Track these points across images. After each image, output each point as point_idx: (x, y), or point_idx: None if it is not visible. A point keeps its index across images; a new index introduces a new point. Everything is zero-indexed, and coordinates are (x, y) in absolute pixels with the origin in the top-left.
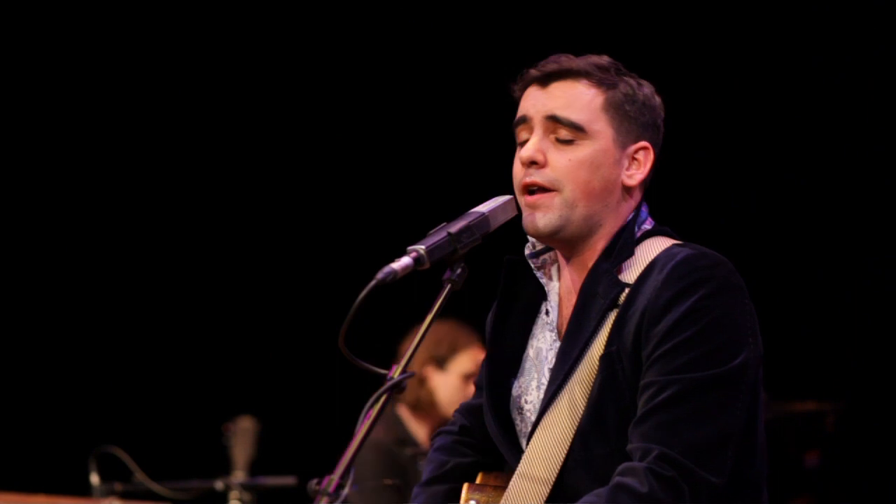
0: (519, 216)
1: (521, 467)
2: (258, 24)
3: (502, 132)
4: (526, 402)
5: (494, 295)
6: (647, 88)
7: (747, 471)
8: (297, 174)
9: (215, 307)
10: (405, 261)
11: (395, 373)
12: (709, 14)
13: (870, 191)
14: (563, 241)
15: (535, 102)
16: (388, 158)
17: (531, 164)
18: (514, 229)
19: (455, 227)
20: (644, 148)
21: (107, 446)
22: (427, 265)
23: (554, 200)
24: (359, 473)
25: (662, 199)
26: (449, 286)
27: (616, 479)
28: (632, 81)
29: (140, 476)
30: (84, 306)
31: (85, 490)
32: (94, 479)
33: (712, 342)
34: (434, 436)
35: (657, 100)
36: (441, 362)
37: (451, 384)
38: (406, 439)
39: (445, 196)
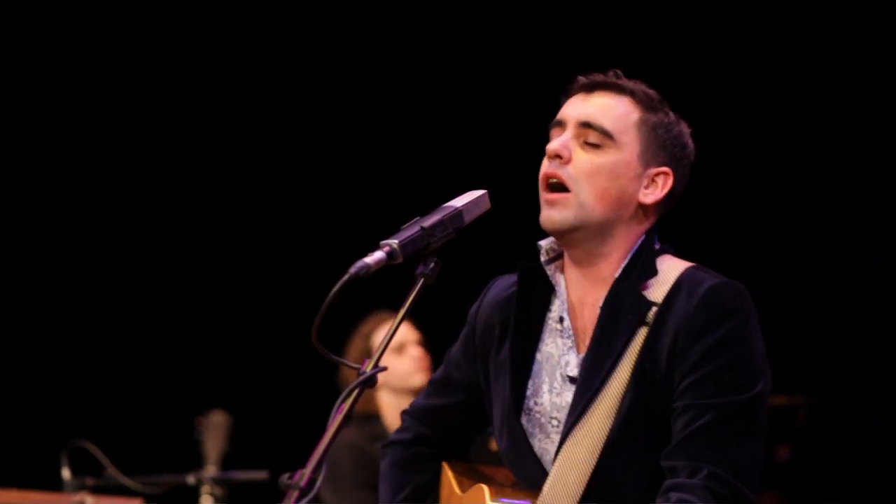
0: (492, 211)
1: (555, 474)
2: (232, 20)
3: (476, 127)
4: (536, 403)
5: (465, 290)
6: (684, 127)
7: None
8: (270, 168)
9: (187, 302)
10: (378, 255)
11: (368, 367)
12: (709, 14)
13: (870, 191)
14: (578, 243)
15: (574, 108)
16: (362, 153)
17: (556, 157)
18: (487, 226)
19: (429, 221)
20: (665, 173)
21: (78, 441)
22: (400, 259)
23: (570, 200)
24: (334, 474)
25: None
26: (422, 280)
27: (675, 494)
28: (672, 115)
29: (112, 470)
30: (55, 301)
31: (56, 485)
32: (66, 473)
33: (742, 369)
34: (385, 445)
35: (691, 142)
36: (369, 355)
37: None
38: (378, 435)
39: (419, 190)
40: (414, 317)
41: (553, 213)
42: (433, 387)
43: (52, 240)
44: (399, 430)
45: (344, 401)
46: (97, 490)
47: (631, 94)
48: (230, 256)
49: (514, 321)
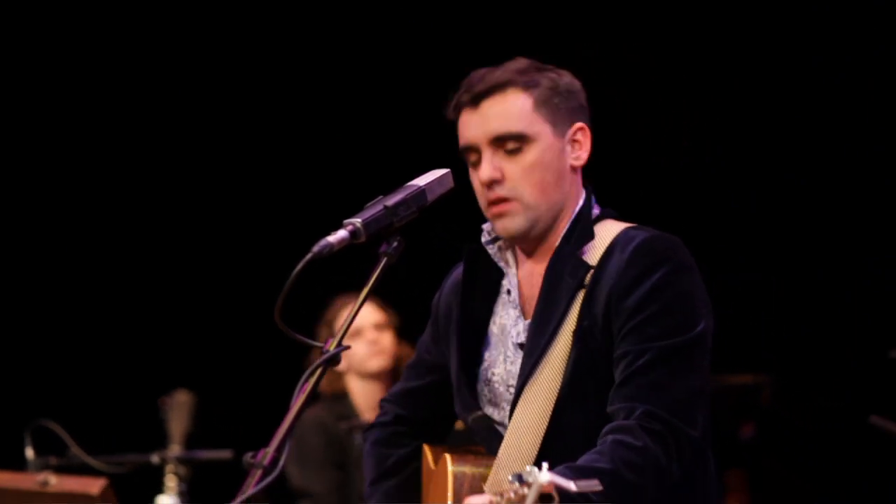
0: (456, 189)
1: (509, 436)
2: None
3: (437, 107)
4: (493, 373)
5: (432, 273)
6: (566, 77)
7: (706, 424)
8: (231, 148)
9: (151, 281)
10: (341, 234)
11: (331, 346)
12: (709, 14)
13: (869, 191)
14: (535, 237)
15: (475, 129)
16: (324, 131)
17: (492, 182)
18: (452, 205)
19: (392, 200)
20: (581, 129)
21: (42, 420)
22: (363, 238)
23: (516, 206)
24: (301, 453)
25: (662, 198)
26: (385, 259)
27: (610, 436)
28: (551, 74)
29: (75, 450)
30: (17, 282)
31: (20, 464)
32: (30, 453)
33: (677, 313)
34: (366, 430)
35: (577, 83)
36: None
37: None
38: (346, 414)
39: (382, 169)
40: (387, 300)
41: (506, 222)
42: (408, 371)
43: (18, 222)
44: (379, 416)
45: (307, 380)
46: (61, 469)
47: (511, 84)
48: (193, 236)
49: (461, 299)
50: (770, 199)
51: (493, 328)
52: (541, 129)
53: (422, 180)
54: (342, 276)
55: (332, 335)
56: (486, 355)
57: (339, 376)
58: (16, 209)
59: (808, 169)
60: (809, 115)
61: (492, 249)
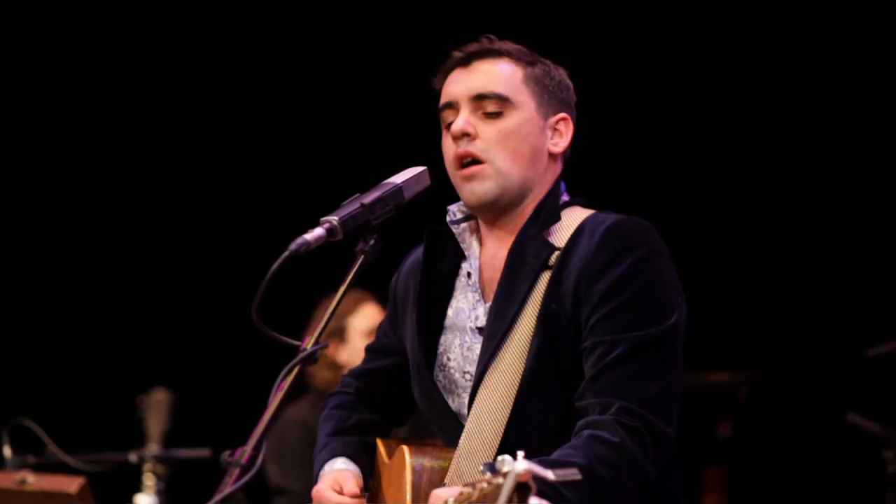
0: (433, 187)
1: (470, 425)
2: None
3: (417, 105)
4: (449, 359)
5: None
6: (562, 71)
7: (676, 420)
8: (209, 146)
9: (128, 278)
10: (318, 232)
11: (308, 344)
12: (709, 14)
13: (869, 191)
14: (501, 209)
15: (459, 85)
16: (301, 129)
17: (463, 135)
18: (428, 202)
19: (369, 197)
20: (564, 119)
21: (19, 419)
22: (340, 236)
23: (487, 170)
24: (281, 451)
25: (659, 196)
26: (362, 257)
27: (586, 431)
28: (548, 63)
29: (53, 448)
30: None
31: None
32: (7, 451)
33: (650, 301)
34: (328, 397)
35: (570, 82)
36: (339, 335)
37: (356, 348)
38: None
39: (359, 167)
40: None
41: (475, 185)
42: (368, 354)
43: None
44: (340, 387)
45: (284, 377)
46: (38, 468)
47: (508, 54)
48: (171, 234)
49: (420, 283)
50: (767, 198)
51: (450, 312)
52: (525, 100)
53: (399, 178)
54: (319, 275)
55: (341, 328)
56: (442, 340)
57: (339, 372)
58: None
59: (808, 169)
60: (809, 114)
61: (457, 230)
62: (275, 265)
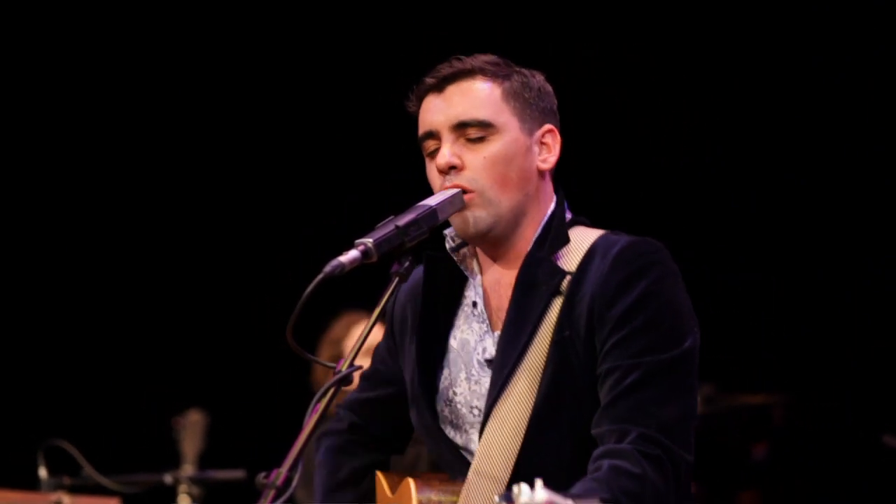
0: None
1: (477, 463)
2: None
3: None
4: (455, 393)
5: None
6: (539, 77)
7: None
8: (245, 168)
9: (164, 301)
10: (353, 254)
11: (343, 366)
12: (709, 14)
13: (868, 191)
14: (496, 238)
15: (437, 113)
16: (337, 151)
17: (450, 169)
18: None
19: (403, 220)
20: (550, 131)
21: (55, 440)
22: (375, 258)
23: (476, 199)
24: (307, 471)
25: (659, 196)
26: (397, 279)
27: (606, 462)
28: (524, 71)
29: (88, 470)
30: (31, 300)
31: (33, 484)
32: (43, 472)
33: (665, 325)
34: (319, 436)
35: (549, 87)
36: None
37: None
38: None
39: (394, 189)
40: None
41: (466, 216)
42: (363, 382)
43: (25, 237)
44: (334, 422)
45: (319, 400)
46: (74, 489)
47: (481, 71)
48: (207, 256)
49: (421, 313)
50: (772, 199)
51: (453, 343)
52: (507, 120)
53: (433, 200)
54: (346, 296)
55: (338, 354)
56: (446, 373)
57: (346, 393)
58: (28, 229)
59: (808, 169)
60: (809, 114)
61: (456, 257)
62: (309, 287)
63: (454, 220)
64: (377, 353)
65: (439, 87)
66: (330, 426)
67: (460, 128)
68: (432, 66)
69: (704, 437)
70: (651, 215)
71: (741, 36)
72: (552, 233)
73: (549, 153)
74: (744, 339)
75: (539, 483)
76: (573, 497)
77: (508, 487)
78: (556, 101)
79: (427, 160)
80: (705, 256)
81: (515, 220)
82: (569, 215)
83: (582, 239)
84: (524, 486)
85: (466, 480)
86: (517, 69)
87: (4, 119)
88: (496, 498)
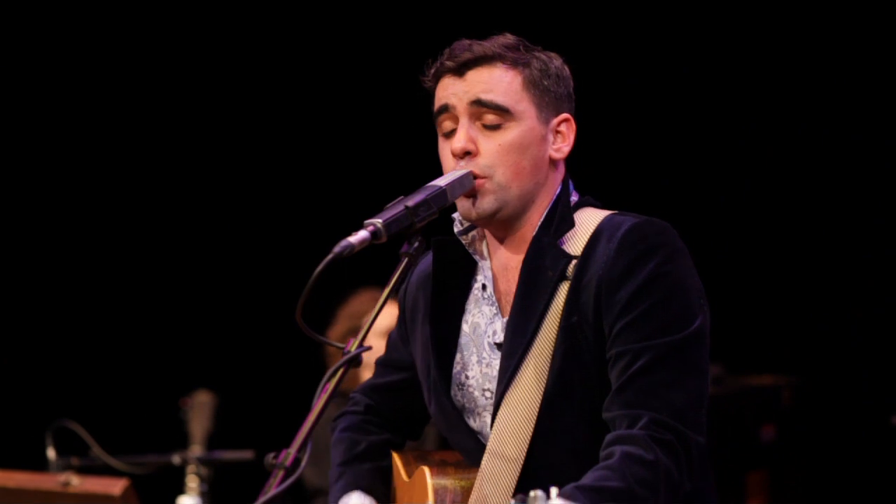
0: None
1: (492, 445)
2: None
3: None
4: (467, 377)
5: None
6: (557, 60)
7: (706, 428)
8: (252, 149)
9: (172, 281)
10: (362, 234)
11: (352, 346)
12: (709, 13)
13: (868, 190)
14: (501, 222)
15: (456, 90)
16: (344, 131)
17: (465, 154)
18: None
19: (412, 200)
20: (566, 120)
21: (63, 420)
22: (384, 239)
23: (486, 185)
24: (315, 450)
25: (659, 197)
26: (406, 260)
27: (618, 448)
28: (542, 56)
29: (97, 450)
30: (39, 282)
31: (41, 464)
32: (51, 453)
33: (674, 307)
34: (336, 418)
35: (567, 70)
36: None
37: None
38: None
39: (403, 169)
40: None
41: (473, 201)
42: (378, 368)
43: (32, 222)
44: (350, 405)
45: (328, 380)
46: (82, 470)
47: (500, 58)
48: (215, 237)
49: (432, 297)
50: (781, 179)
51: (465, 327)
52: (526, 109)
53: (442, 180)
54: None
55: (354, 329)
56: (459, 357)
57: (356, 373)
58: (37, 214)
59: (807, 169)
60: (809, 114)
61: (465, 240)
62: (319, 268)
63: (460, 203)
64: (390, 340)
65: (459, 71)
66: (346, 408)
67: (478, 106)
68: (438, 51)
69: (713, 418)
70: (663, 195)
71: (741, 36)
72: (557, 217)
73: (563, 142)
74: (753, 320)
75: (554, 490)
76: (588, 496)
77: (522, 473)
78: (572, 84)
79: (441, 139)
80: (715, 237)
81: (523, 206)
82: (575, 196)
83: (587, 222)
84: (539, 493)
85: (480, 468)
86: (535, 53)
87: (7, 118)
88: (512, 501)
